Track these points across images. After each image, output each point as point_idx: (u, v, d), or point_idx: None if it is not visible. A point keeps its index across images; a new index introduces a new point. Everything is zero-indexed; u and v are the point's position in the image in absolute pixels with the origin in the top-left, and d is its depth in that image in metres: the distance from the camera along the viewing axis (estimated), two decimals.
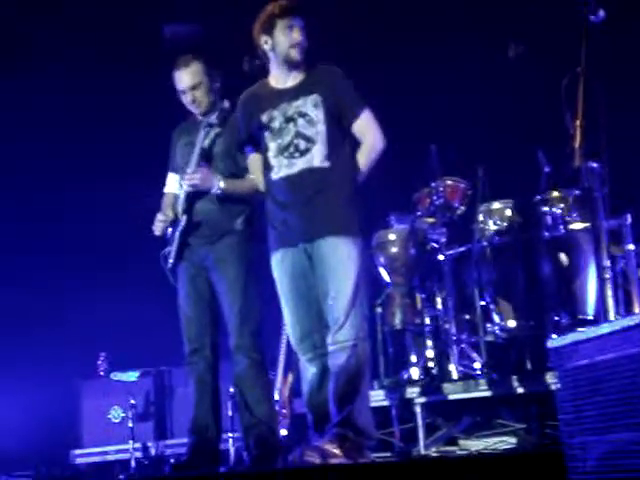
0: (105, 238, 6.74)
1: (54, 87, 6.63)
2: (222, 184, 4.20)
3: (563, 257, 4.97)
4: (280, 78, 3.98)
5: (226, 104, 4.30)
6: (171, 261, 4.29)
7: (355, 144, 3.96)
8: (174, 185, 4.45)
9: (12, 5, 6.53)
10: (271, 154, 3.93)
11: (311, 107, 3.87)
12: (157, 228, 4.32)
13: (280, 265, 3.93)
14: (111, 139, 6.76)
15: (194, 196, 4.27)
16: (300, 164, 3.85)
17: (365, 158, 3.92)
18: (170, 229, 4.31)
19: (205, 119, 4.30)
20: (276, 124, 3.92)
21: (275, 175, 3.91)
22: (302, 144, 3.85)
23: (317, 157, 3.83)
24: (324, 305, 3.78)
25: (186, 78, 4.33)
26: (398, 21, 6.58)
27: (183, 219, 4.26)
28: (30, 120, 6.74)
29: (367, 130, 3.92)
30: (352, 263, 3.76)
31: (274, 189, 3.93)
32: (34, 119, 6.75)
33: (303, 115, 3.87)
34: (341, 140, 3.88)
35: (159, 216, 4.34)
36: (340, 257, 3.76)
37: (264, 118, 3.95)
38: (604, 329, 2.59)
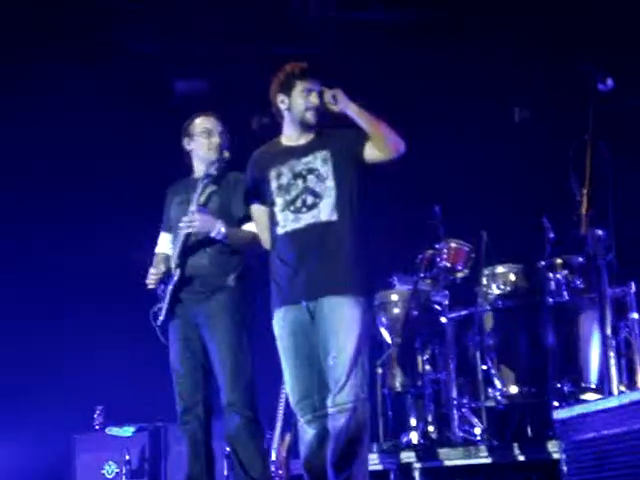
0: (104, 291, 6.73)
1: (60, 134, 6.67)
2: (222, 229, 4.18)
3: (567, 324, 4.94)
4: (292, 137, 4.01)
5: (226, 154, 4.36)
6: (161, 318, 4.26)
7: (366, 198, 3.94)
8: (166, 245, 4.44)
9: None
10: (278, 209, 3.93)
11: (320, 163, 3.88)
12: (150, 281, 4.31)
13: (282, 323, 3.89)
14: (111, 186, 6.79)
15: (188, 251, 4.26)
16: (307, 218, 3.84)
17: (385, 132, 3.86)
18: (162, 285, 4.29)
19: (206, 172, 4.32)
20: (284, 180, 3.93)
21: (281, 230, 3.90)
22: (310, 199, 3.85)
23: (325, 211, 3.82)
24: (325, 365, 3.73)
25: (215, 122, 4.42)
26: (406, 83, 6.65)
27: (176, 273, 4.24)
28: (26, 166, 6.76)
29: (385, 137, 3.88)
30: (355, 323, 3.72)
31: (279, 244, 3.92)
32: (32, 162, 6.78)
33: (312, 171, 3.88)
34: (351, 196, 3.86)
35: (152, 270, 4.34)
36: (342, 317, 3.72)
37: (272, 174, 3.96)
38: (612, 402, 2.56)
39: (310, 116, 3.94)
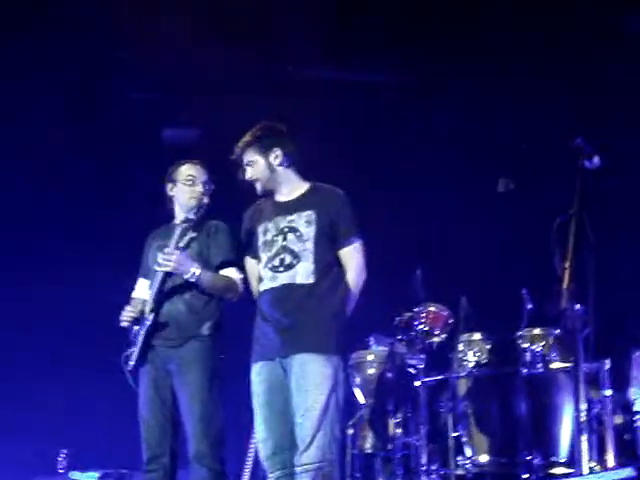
0: (76, 330, 6.68)
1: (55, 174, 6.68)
2: (197, 271, 4.16)
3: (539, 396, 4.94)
4: (283, 192, 4.04)
5: (205, 199, 4.37)
6: (132, 363, 4.23)
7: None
8: (143, 290, 4.42)
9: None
10: (261, 265, 3.96)
11: (303, 223, 3.90)
12: (124, 318, 4.27)
13: (258, 378, 3.89)
14: (94, 233, 6.79)
15: (164, 296, 4.24)
16: (282, 279, 3.85)
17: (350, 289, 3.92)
18: (136, 327, 4.26)
19: (185, 216, 4.33)
20: (269, 236, 3.95)
21: (262, 287, 3.93)
22: (288, 258, 3.87)
23: (301, 274, 3.83)
24: (295, 423, 3.71)
25: (201, 171, 4.44)
26: (391, 146, 6.72)
27: (150, 318, 4.22)
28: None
29: (352, 260, 3.93)
30: (324, 382, 3.70)
31: (260, 300, 3.95)
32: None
33: (294, 230, 3.90)
34: (330, 258, 3.89)
35: (128, 307, 4.31)
36: (311, 375, 3.71)
37: (260, 229, 4.01)
38: None
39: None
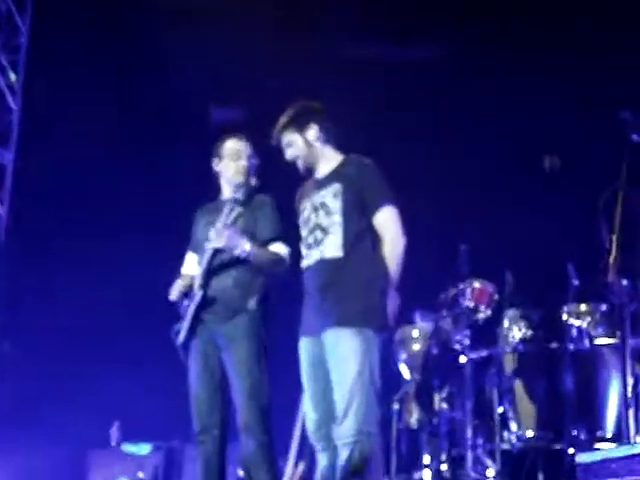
0: (125, 309, 6.79)
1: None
2: (248, 247, 4.20)
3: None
4: (320, 169, 4.06)
5: (253, 181, 4.40)
6: (182, 337, 4.30)
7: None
8: (192, 266, 4.48)
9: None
10: (302, 243, 4.00)
11: (331, 197, 3.91)
12: (174, 292, 4.35)
13: (302, 353, 3.94)
14: (145, 216, 6.89)
15: (213, 272, 4.30)
16: (315, 255, 3.88)
17: (388, 259, 3.85)
18: (186, 302, 4.33)
19: (232, 196, 4.36)
20: (305, 214, 3.99)
21: (303, 265, 3.98)
22: (319, 235, 3.89)
23: (329, 248, 3.84)
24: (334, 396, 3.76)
25: (245, 146, 4.47)
26: (438, 127, 6.72)
27: (199, 294, 4.28)
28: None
29: (385, 227, 3.87)
30: (356, 355, 3.69)
31: (303, 278, 3.98)
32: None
33: (324, 205, 3.91)
34: (360, 230, 3.86)
35: (178, 281, 4.38)
36: (342, 349, 3.72)
37: (301, 207, 4.05)
38: (636, 449, 2.55)
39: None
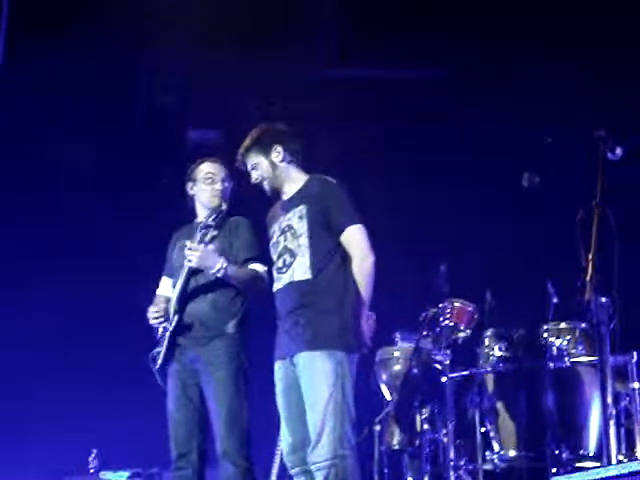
0: (104, 334, 6.73)
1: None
2: (223, 263, 4.11)
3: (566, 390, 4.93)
4: (287, 189, 4.05)
5: (224, 206, 4.35)
6: (160, 362, 4.26)
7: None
8: (167, 288, 4.44)
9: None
10: (273, 267, 4.00)
11: (296, 220, 3.90)
12: (152, 318, 4.29)
13: (276, 376, 3.93)
14: (120, 234, 6.85)
15: (188, 295, 4.25)
16: (285, 278, 3.87)
17: (357, 276, 3.83)
18: (162, 327, 4.28)
19: (204, 222, 4.31)
20: (274, 238, 4.00)
21: (273, 289, 3.97)
22: (287, 258, 3.89)
23: (298, 271, 3.83)
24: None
25: (220, 169, 4.44)
26: (414, 141, 6.73)
27: (174, 319, 4.24)
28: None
29: (352, 246, 3.85)
30: (327, 378, 3.67)
31: (274, 301, 3.97)
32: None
33: (290, 228, 3.91)
34: (329, 250, 3.84)
35: (151, 308, 4.33)
36: (314, 372, 3.70)
37: (270, 232, 4.04)
38: (610, 471, 2.54)
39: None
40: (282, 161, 4.01)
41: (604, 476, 2.54)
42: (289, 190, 4.02)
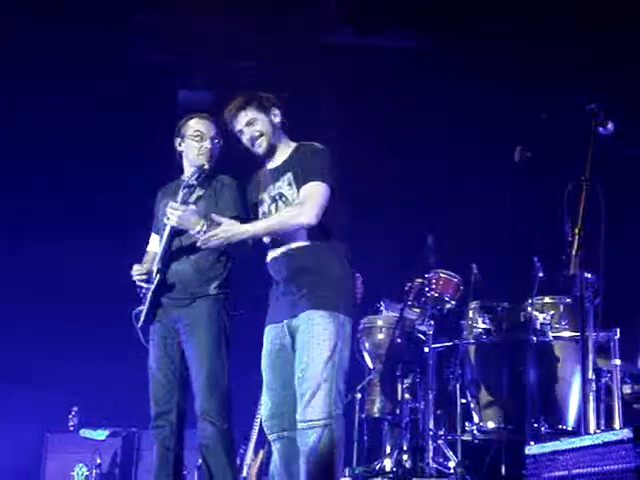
0: (85, 293, 6.72)
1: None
2: (202, 225, 3.94)
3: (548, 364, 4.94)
4: (276, 157, 3.96)
5: (206, 165, 4.27)
6: (142, 320, 4.23)
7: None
8: (156, 245, 4.37)
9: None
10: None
11: (286, 187, 3.84)
12: (135, 274, 4.24)
13: (266, 338, 3.89)
14: (108, 194, 6.82)
15: (171, 255, 4.22)
16: (280, 247, 3.82)
17: (284, 212, 3.77)
18: (145, 286, 4.25)
19: (187, 182, 4.23)
20: (265, 207, 3.92)
21: (268, 257, 3.90)
22: None
23: (294, 237, 3.78)
24: (295, 380, 3.69)
25: (209, 126, 4.34)
26: (407, 115, 6.70)
27: (156, 278, 4.20)
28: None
29: (306, 197, 3.74)
30: (328, 336, 3.65)
31: (268, 268, 3.92)
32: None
33: (281, 196, 3.85)
34: (322, 215, 3.76)
35: (136, 266, 4.28)
36: (315, 329, 3.66)
37: (259, 199, 3.96)
38: (585, 441, 2.54)
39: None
40: (279, 123, 3.97)
41: (578, 446, 2.54)
42: (278, 158, 3.97)
